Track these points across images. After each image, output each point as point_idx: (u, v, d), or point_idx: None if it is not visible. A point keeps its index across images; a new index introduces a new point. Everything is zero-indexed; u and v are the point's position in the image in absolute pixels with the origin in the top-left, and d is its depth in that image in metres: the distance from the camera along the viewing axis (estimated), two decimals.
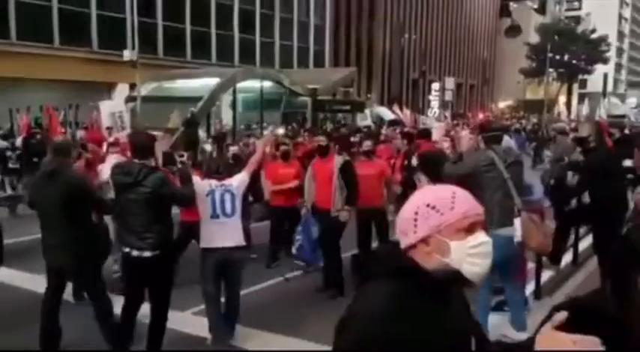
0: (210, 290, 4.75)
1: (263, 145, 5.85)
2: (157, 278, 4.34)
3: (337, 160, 6.06)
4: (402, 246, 1.46)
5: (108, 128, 12.32)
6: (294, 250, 6.66)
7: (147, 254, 4.20)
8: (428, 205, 1.42)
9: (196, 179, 4.71)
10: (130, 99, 19.94)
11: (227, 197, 4.68)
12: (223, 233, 4.64)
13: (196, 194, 4.55)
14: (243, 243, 4.81)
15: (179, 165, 5.01)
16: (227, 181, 4.76)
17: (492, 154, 4.57)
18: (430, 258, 1.41)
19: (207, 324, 4.91)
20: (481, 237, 1.43)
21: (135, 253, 4.22)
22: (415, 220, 1.43)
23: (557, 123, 20.76)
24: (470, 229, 1.42)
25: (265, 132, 15.37)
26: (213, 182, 4.74)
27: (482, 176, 4.48)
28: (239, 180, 4.83)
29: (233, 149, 8.40)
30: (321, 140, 6.34)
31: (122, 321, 4.46)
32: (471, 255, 1.41)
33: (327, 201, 5.94)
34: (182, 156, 5.12)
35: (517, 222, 4.44)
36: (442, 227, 1.40)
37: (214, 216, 4.66)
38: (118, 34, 24.17)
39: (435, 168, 4.65)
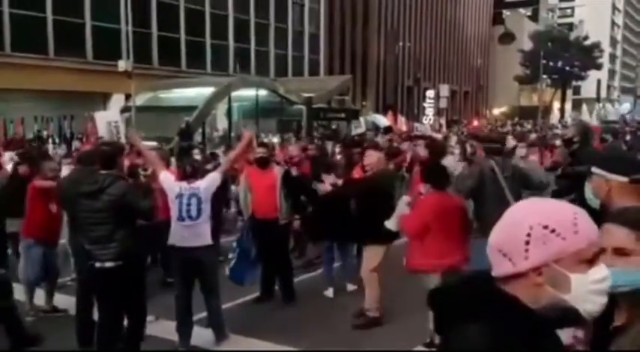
0: (177, 290, 4.87)
1: (245, 142, 5.62)
2: (122, 288, 4.26)
3: (278, 171, 6.18)
4: (499, 272, 1.21)
5: (98, 138, 12.35)
6: (227, 271, 5.98)
7: (109, 264, 4.16)
8: (546, 227, 1.16)
9: (170, 179, 4.84)
10: (126, 109, 19.94)
11: (193, 201, 4.73)
12: (188, 234, 4.72)
13: (168, 194, 4.76)
14: (208, 242, 4.82)
15: (142, 179, 5.04)
16: (195, 184, 4.79)
17: (493, 164, 4.69)
18: (541, 291, 1.17)
19: (204, 334, 4.94)
20: (604, 270, 1.20)
21: (97, 264, 4.19)
22: (527, 243, 1.16)
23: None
24: (593, 260, 1.18)
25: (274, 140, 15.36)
26: (183, 185, 4.79)
27: (486, 186, 4.60)
28: (208, 181, 4.85)
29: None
30: (262, 152, 6.20)
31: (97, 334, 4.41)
32: (593, 292, 1.17)
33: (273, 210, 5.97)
34: (146, 170, 5.16)
35: None
36: (563, 255, 1.16)
37: (180, 218, 4.75)
38: (113, 45, 24.19)
39: (439, 176, 4.67)
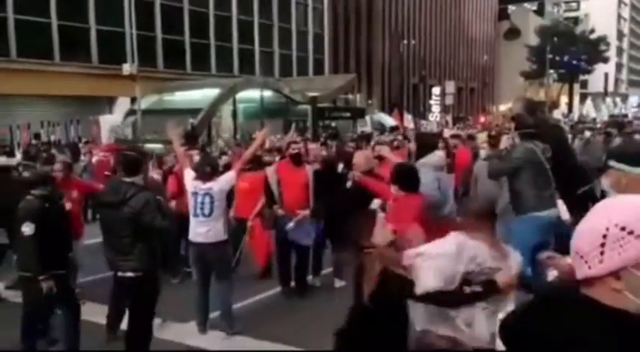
0: (196, 280, 5.23)
1: (259, 141, 6.02)
2: (138, 299, 4.34)
3: (309, 168, 6.34)
4: (579, 275, 1.15)
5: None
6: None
7: (130, 274, 4.23)
8: (623, 228, 1.07)
9: (189, 177, 5.14)
10: (131, 112, 19.99)
11: (207, 199, 5.00)
12: (201, 230, 5.00)
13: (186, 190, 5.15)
14: (221, 238, 5.07)
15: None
16: (209, 185, 5.02)
17: (532, 146, 4.87)
18: (618, 297, 1.09)
19: (208, 336, 4.99)
20: None
21: (119, 273, 4.28)
22: (602, 246, 1.09)
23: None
24: None
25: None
26: (198, 184, 5.04)
27: (526, 167, 4.81)
28: (222, 183, 5.09)
29: (225, 159, 8.46)
30: (297, 148, 6.39)
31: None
32: None
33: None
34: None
35: (560, 202, 4.85)
36: None
37: (195, 215, 5.06)
38: (118, 48, 24.20)
39: (409, 178, 4.63)
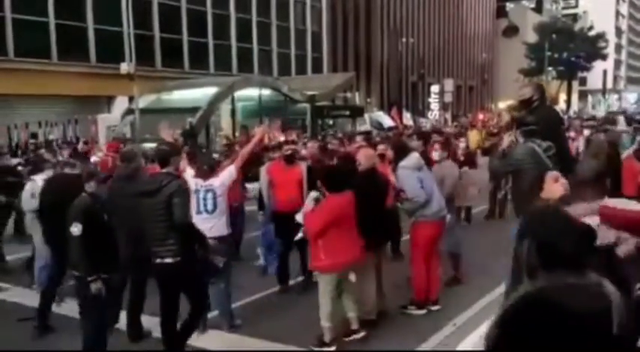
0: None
1: (258, 137, 6.14)
2: (182, 282, 4.49)
3: (303, 166, 6.48)
4: None
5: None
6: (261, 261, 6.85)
7: (168, 260, 4.35)
8: None
9: (189, 176, 5.25)
10: (129, 111, 19.94)
11: (209, 196, 5.14)
12: (205, 226, 4.99)
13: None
14: (223, 233, 5.21)
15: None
16: (210, 181, 5.19)
17: (533, 146, 4.81)
18: None
19: (206, 336, 4.98)
20: None
21: (157, 260, 4.40)
22: None
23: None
24: None
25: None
26: (199, 182, 5.19)
27: (527, 167, 4.76)
28: (223, 178, 5.26)
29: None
30: (290, 148, 6.59)
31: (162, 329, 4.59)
32: None
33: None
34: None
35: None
36: None
37: (198, 212, 5.12)
38: (116, 47, 24.15)
39: (336, 182, 4.86)
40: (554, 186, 3.18)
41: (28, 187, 6.56)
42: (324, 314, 4.79)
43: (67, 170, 5.76)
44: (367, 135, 18.02)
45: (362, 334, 5.00)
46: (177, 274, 4.39)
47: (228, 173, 5.32)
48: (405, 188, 5.48)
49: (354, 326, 5.01)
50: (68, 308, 5.49)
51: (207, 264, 4.77)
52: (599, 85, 57.93)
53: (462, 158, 8.62)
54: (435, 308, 5.64)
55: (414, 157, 5.69)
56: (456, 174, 6.78)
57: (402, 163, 5.60)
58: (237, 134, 20.05)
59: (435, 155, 7.23)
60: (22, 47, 22.82)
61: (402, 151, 5.85)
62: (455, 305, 5.68)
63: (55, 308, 5.61)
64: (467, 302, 5.74)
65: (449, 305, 5.69)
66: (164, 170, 4.55)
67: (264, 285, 6.50)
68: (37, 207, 5.92)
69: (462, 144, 8.87)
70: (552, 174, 3.36)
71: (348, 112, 27.96)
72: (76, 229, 4.29)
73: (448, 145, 8.21)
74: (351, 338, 4.98)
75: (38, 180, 6.37)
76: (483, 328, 4.97)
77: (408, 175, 5.50)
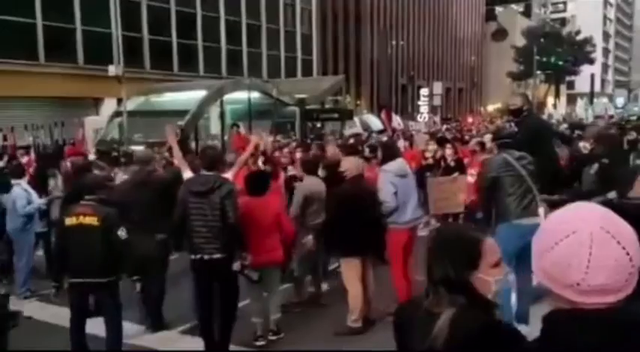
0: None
1: (253, 145, 6.16)
2: (227, 278, 4.80)
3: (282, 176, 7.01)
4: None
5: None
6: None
7: (217, 256, 4.65)
8: None
9: (186, 177, 5.31)
10: (117, 114, 19.80)
11: None
12: None
13: None
14: None
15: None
16: None
17: (506, 156, 5.00)
18: None
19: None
20: None
21: (206, 257, 4.62)
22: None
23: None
24: None
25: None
26: None
27: (502, 177, 4.95)
28: None
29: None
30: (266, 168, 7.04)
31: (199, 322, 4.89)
32: None
33: None
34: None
35: (541, 211, 4.88)
36: None
37: None
38: (104, 49, 24.02)
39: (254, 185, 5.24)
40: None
41: (21, 193, 6.65)
42: (252, 310, 5.13)
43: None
44: (357, 137, 18.08)
45: (276, 337, 5.19)
46: (225, 269, 4.68)
47: (226, 176, 5.41)
48: (380, 191, 5.54)
49: (273, 327, 5.24)
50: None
51: (242, 275, 4.95)
52: (587, 89, 58.44)
53: (452, 164, 8.64)
54: None
55: (397, 163, 5.74)
56: None
57: (385, 166, 5.72)
58: (226, 137, 20.01)
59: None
60: (8, 48, 22.53)
61: (388, 155, 5.89)
62: None
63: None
64: None
65: None
66: (210, 173, 4.85)
67: None
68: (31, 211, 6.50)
69: (448, 151, 8.90)
70: None
71: (337, 115, 27.94)
72: (123, 233, 4.47)
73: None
74: (261, 343, 5.12)
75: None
76: None
77: (385, 180, 5.57)
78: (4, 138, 14.56)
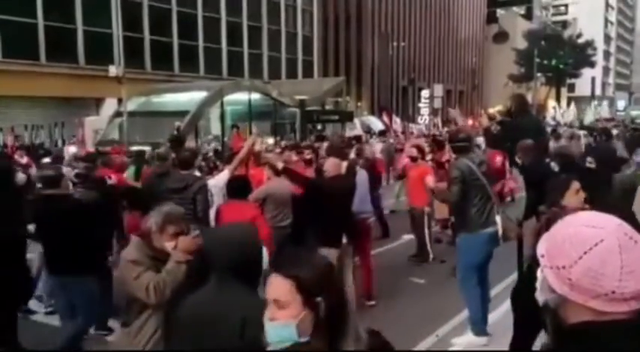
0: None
1: (250, 144, 6.14)
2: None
3: None
4: None
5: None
6: None
7: None
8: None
9: None
10: (117, 114, 19.82)
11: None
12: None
13: None
14: None
15: None
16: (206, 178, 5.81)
17: (466, 161, 4.84)
18: None
19: None
20: None
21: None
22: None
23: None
24: None
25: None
26: None
27: (464, 184, 4.78)
28: (217, 178, 5.69)
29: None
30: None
31: None
32: None
33: None
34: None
35: (498, 218, 4.82)
36: None
37: None
38: (105, 49, 24.07)
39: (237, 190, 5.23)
40: (576, 197, 3.52)
41: None
42: None
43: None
44: (358, 139, 18.07)
45: None
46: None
47: (222, 175, 5.69)
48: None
49: None
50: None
51: None
52: (588, 92, 58.45)
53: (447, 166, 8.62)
54: (368, 303, 5.97)
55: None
56: None
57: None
58: (226, 138, 20.02)
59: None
60: (9, 48, 22.62)
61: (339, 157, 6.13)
62: (438, 316, 5.67)
63: None
64: (449, 313, 5.74)
65: (431, 316, 5.68)
66: (185, 172, 5.27)
67: None
68: None
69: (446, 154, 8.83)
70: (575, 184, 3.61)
71: (337, 117, 27.98)
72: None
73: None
74: None
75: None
76: (465, 339, 5.01)
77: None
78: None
